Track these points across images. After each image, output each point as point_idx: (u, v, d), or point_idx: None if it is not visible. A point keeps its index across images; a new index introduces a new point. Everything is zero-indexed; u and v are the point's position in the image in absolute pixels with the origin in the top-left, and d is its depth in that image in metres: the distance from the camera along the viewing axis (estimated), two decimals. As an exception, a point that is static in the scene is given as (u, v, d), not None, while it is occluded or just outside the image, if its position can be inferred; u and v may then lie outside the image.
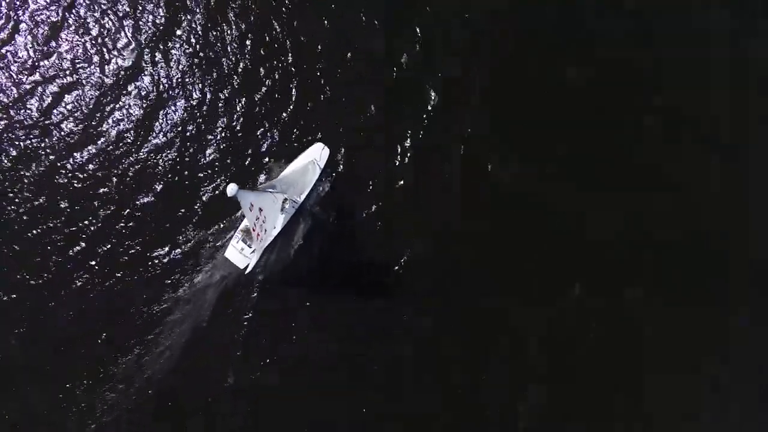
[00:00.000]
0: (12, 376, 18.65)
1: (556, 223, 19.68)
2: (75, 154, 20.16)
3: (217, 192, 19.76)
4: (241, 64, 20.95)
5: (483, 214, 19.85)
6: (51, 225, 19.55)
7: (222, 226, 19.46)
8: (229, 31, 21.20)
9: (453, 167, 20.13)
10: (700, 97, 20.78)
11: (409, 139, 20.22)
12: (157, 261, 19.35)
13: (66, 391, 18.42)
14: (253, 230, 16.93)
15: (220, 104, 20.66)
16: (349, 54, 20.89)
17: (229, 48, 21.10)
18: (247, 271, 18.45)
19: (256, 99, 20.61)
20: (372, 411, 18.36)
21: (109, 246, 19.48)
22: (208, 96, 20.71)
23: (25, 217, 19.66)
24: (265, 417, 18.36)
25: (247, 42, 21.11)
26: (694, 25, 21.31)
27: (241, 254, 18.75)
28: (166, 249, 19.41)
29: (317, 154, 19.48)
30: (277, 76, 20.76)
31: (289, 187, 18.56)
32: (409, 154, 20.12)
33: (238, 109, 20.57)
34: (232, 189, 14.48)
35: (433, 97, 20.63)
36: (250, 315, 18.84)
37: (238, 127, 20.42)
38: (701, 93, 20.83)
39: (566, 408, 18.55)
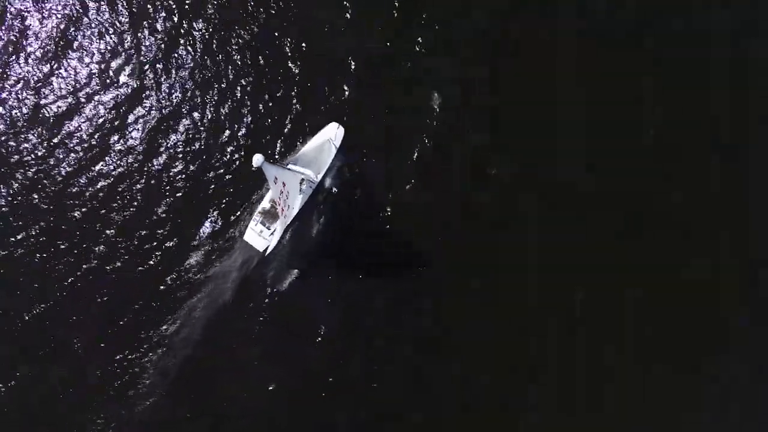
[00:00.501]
0: (16, 381, 18.67)
1: (557, 224, 19.72)
2: (90, 165, 20.22)
3: (227, 198, 19.89)
4: (245, 69, 20.96)
5: (483, 215, 19.86)
6: (64, 235, 19.59)
7: (234, 218, 19.58)
8: (232, 36, 21.21)
9: (453, 167, 20.14)
10: (700, 97, 20.81)
11: (409, 140, 20.24)
12: (173, 256, 19.33)
13: (71, 395, 18.43)
14: (278, 204, 17.28)
15: (222, 116, 20.69)
16: (350, 56, 20.88)
17: (231, 54, 21.10)
18: (268, 252, 18.56)
19: (260, 108, 20.63)
20: (372, 411, 18.38)
21: (123, 249, 19.54)
22: (211, 109, 20.72)
23: (49, 218, 19.72)
24: (269, 417, 18.39)
25: (249, 45, 21.13)
26: (694, 25, 21.32)
27: (260, 236, 18.84)
28: (183, 245, 19.41)
29: (332, 133, 19.51)
30: (281, 84, 20.77)
31: (308, 164, 18.67)
32: (410, 155, 20.13)
33: (243, 120, 20.55)
34: (258, 159, 14.63)
35: (433, 98, 20.63)
36: (258, 317, 18.88)
37: (241, 134, 20.47)
38: (701, 93, 20.84)
39: (566, 409, 18.56)
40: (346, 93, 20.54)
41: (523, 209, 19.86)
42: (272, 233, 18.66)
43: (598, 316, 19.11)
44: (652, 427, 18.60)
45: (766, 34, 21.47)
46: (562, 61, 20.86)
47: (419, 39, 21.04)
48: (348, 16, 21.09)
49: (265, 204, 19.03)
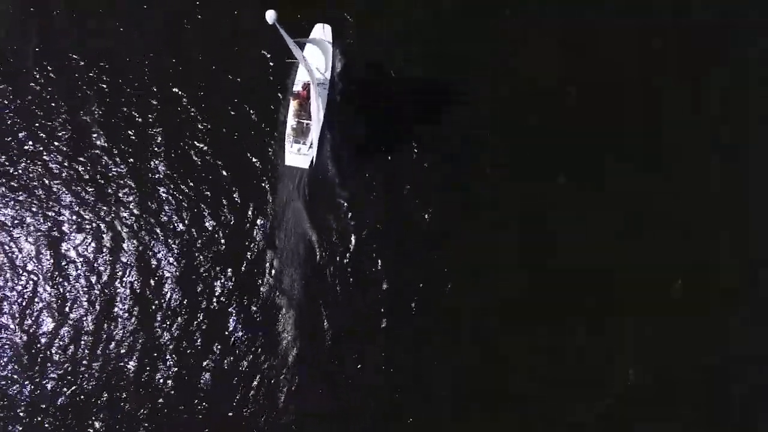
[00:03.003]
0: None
1: (557, 223, 19.72)
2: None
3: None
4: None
5: (483, 215, 19.87)
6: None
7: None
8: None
9: (453, 166, 20.12)
10: (700, 97, 20.80)
11: (409, 140, 20.22)
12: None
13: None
14: (308, 72, 17.37)
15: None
16: (349, 53, 20.87)
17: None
18: (312, 164, 18.74)
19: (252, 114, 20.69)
20: (372, 411, 18.38)
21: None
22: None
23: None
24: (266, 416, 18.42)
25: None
26: (694, 24, 21.33)
27: (299, 155, 18.89)
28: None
29: (321, 33, 19.61)
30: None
31: (317, 46, 18.84)
32: (410, 156, 20.13)
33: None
34: (271, 15, 14.09)
35: (433, 97, 20.62)
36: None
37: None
38: (701, 93, 20.84)
39: (567, 409, 18.56)
40: (345, 96, 20.48)
41: (523, 209, 19.85)
42: (310, 146, 18.70)
43: (597, 315, 19.11)
44: (653, 427, 18.61)
45: (765, 34, 21.49)
46: (562, 61, 20.86)
47: (419, 40, 21.02)
48: (346, 17, 21.01)
49: (291, 122, 19.00)
